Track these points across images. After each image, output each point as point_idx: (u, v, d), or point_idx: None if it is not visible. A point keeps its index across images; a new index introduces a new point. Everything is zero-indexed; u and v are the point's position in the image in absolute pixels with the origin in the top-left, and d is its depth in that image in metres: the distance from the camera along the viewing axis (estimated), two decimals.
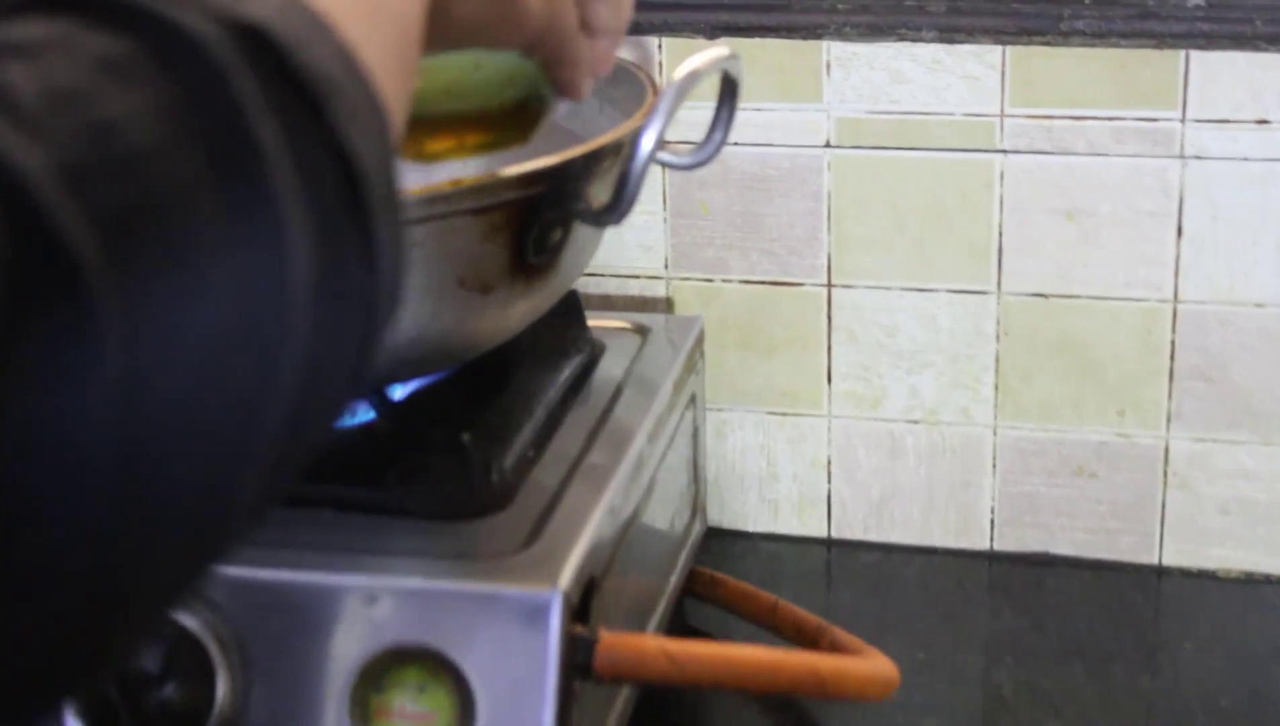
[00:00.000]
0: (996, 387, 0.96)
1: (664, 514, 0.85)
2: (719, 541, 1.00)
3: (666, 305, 0.99)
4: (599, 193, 0.72)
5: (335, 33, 0.39)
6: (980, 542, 0.98)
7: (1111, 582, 0.96)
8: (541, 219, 0.71)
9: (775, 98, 0.95)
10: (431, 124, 0.61)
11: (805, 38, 0.93)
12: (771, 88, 0.95)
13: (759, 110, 0.95)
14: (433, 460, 0.72)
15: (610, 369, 0.86)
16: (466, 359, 0.76)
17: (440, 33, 0.50)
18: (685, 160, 0.77)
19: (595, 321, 0.89)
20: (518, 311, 0.74)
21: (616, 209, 0.70)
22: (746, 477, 1.01)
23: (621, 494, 0.75)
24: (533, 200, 0.70)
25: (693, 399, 0.90)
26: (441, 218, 0.68)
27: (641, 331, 0.90)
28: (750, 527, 1.02)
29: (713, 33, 0.95)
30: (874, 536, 1.00)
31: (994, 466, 0.97)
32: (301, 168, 0.36)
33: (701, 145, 0.77)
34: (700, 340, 0.91)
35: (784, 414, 0.99)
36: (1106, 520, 0.97)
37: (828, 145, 0.95)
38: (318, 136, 0.37)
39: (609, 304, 0.99)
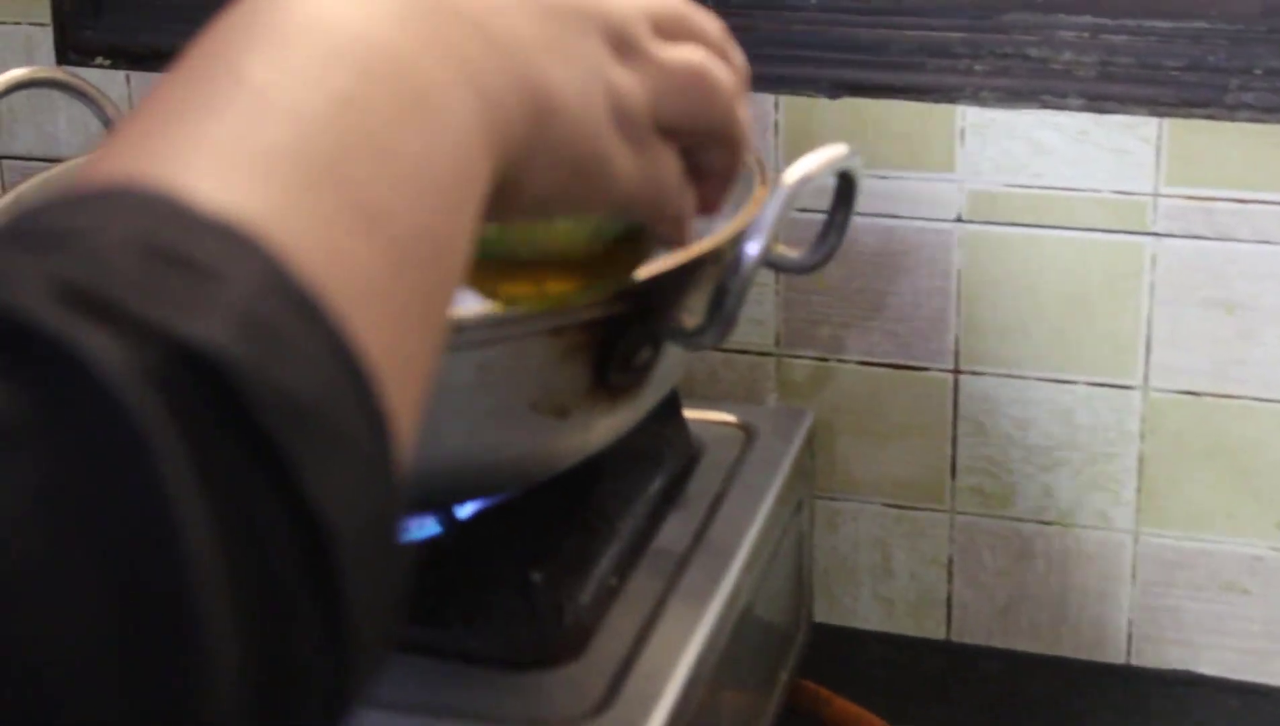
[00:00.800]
0: (1139, 491, 0.86)
1: (766, 622, 0.76)
2: (826, 639, 0.91)
3: (776, 386, 0.90)
4: (694, 304, 0.63)
5: (327, 317, 0.30)
6: (1115, 657, 0.88)
7: (1262, 708, 0.86)
8: (627, 339, 0.62)
9: (903, 165, 0.85)
10: (507, 266, 0.53)
11: (937, 100, 0.84)
12: (899, 154, 0.85)
13: (884, 179, 0.85)
14: (498, 599, 0.64)
15: (710, 474, 0.77)
16: (540, 481, 0.67)
17: (508, 207, 0.41)
18: (792, 260, 0.68)
19: (694, 414, 0.80)
20: (598, 432, 0.65)
21: (713, 329, 0.61)
22: (859, 572, 0.92)
23: (718, 627, 0.67)
24: (617, 319, 0.61)
25: (799, 505, 0.81)
26: (512, 341, 0.59)
27: (746, 429, 0.81)
28: (861, 625, 0.93)
29: (834, 91, 0.85)
30: (997, 643, 0.90)
31: (1133, 576, 0.87)
32: (236, 549, 0.27)
33: (814, 247, 0.67)
34: (811, 438, 0.82)
35: (902, 507, 0.90)
36: (1259, 640, 0.86)
37: (959, 220, 0.85)
38: (270, 497, 0.28)
39: (712, 382, 0.90)
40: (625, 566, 0.69)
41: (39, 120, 0.97)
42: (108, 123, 0.79)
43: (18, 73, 0.77)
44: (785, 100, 0.86)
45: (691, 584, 0.69)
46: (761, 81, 0.85)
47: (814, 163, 0.61)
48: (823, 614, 0.92)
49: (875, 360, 0.88)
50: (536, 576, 0.64)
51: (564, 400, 0.62)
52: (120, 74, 0.94)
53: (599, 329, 0.61)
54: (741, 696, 0.74)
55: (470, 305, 0.57)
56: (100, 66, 0.93)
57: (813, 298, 0.88)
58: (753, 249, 0.60)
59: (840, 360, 0.89)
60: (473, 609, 0.64)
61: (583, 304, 0.59)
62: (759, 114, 0.86)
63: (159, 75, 0.35)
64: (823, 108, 0.85)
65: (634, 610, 0.67)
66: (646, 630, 0.66)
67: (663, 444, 0.76)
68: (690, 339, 0.62)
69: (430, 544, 0.67)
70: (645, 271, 0.60)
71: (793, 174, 0.61)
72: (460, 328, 0.57)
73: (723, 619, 0.68)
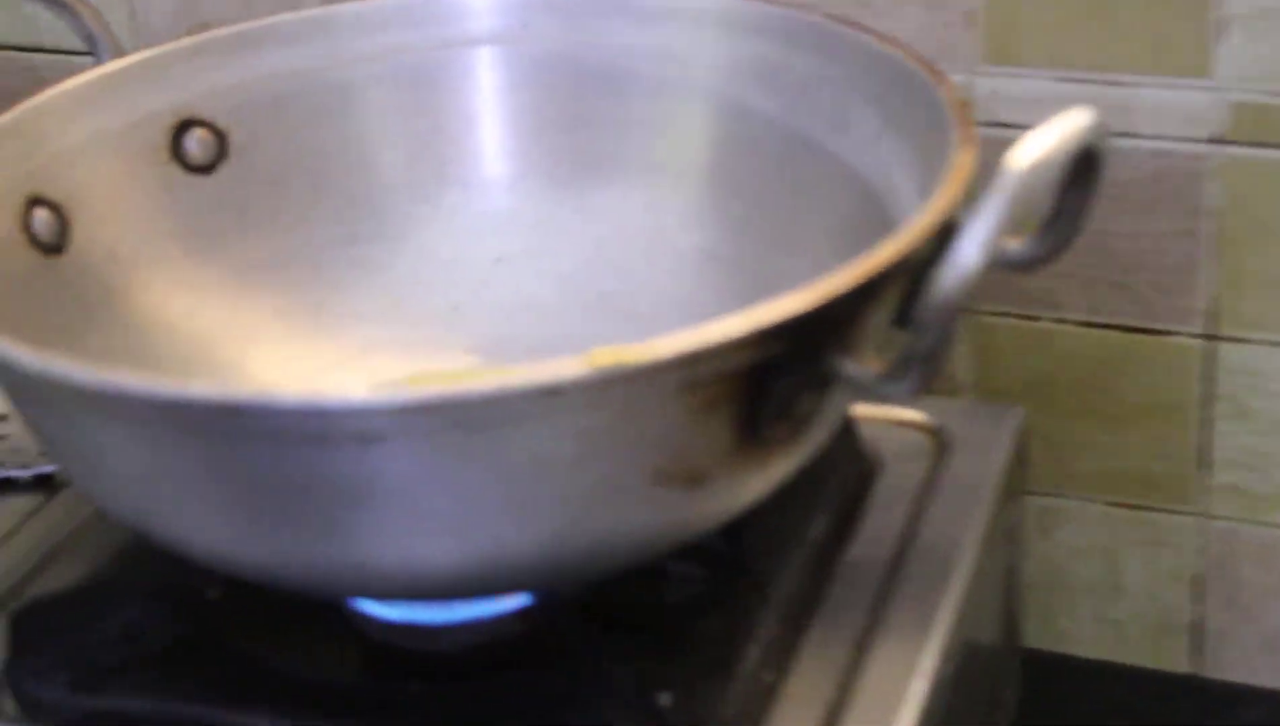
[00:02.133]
0: None
1: (976, 673, 0.66)
2: (1037, 670, 0.81)
3: (970, 353, 0.79)
4: (878, 334, 0.53)
5: None
6: None
7: None
8: (784, 385, 0.51)
9: (1139, 67, 0.73)
10: None
11: None
12: (1133, 53, 0.73)
13: (1114, 85, 0.73)
14: (609, 724, 0.54)
15: (891, 502, 0.67)
16: (665, 554, 0.58)
17: None
18: (1011, 254, 0.56)
19: (866, 413, 0.69)
20: (743, 495, 0.55)
21: (909, 375, 0.50)
22: (1078, 588, 0.82)
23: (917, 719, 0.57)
24: (771, 364, 0.50)
25: (1009, 533, 0.70)
26: (626, 402, 0.49)
27: (937, 434, 0.70)
28: (1081, 652, 0.83)
29: None
30: (1264, 681, 0.80)
31: None
32: None
33: (1041, 235, 0.56)
34: (1024, 443, 0.71)
35: (1136, 508, 0.80)
36: None
37: (1217, 141, 0.73)
38: None
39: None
40: (785, 651, 0.59)
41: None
42: (90, 38, 0.69)
43: None
44: None
45: (880, 665, 0.59)
46: None
47: (1051, 140, 0.50)
48: (1032, 637, 0.82)
49: (1101, 321, 0.78)
50: (665, 698, 0.54)
51: (698, 465, 0.52)
52: None
53: (746, 378, 0.50)
54: None
55: (563, 360, 0.47)
56: None
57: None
58: (968, 256, 0.49)
59: (1056, 320, 0.78)
60: None
61: (719, 347, 0.49)
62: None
63: None
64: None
65: (801, 711, 0.57)
66: None
67: (826, 468, 0.65)
68: (875, 388, 0.51)
69: (516, 640, 0.58)
70: (808, 297, 0.49)
71: (1026, 155, 0.50)
72: (554, 391, 0.47)
73: (930, 704, 0.58)
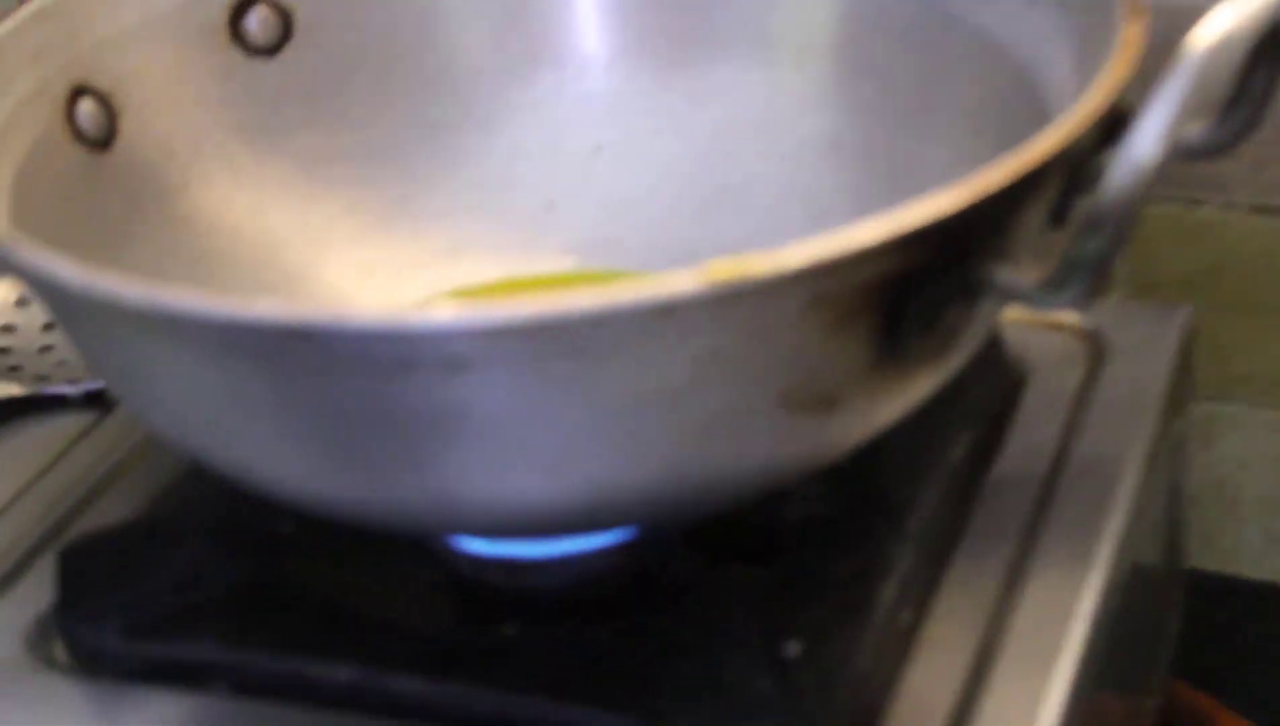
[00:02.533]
0: None
1: (1141, 604, 0.62)
2: (1201, 593, 0.76)
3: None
4: (1033, 237, 0.48)
5: None
6: None
7: None
8: (927, 296, 0.47)
9: None
10: None
11: None
12: None
13: None
14: (732, 679, 0.50)
15: (1041, 419, 0.62)
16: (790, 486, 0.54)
17: None
18: (1192, 139, 0.51)
19: (1013, 317, 0.65)
20: (880, 417, 0.51)
21: (1072, 284, 0.45)
22: (1243, 502, 0.78)
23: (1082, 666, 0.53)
24: (913, 274, 0.46)
25: (1175, 447, 0.65)
26: (749, 320, 0.44)
27: (1092, 340, 0.65)
28: (1249, 573, 0.79)
29: None
30: None
31: None
32: None
33: (1224, 116, 0.51)
34: (1189, 346, 0.66)
35: None
36: None
37: None
38: None
39: None
40: (925, 587, 0.55)
41: None
42: None
43: None
44: None
45: (1033, 606, 0.54)
46: None
47: (1235, 16, 0.45)
48: (1194, 556, 0.77)
49: (1276, 204, 0.72)
50: (792, 648, 0.50)
51: (830, 387, 0.48)
52: None
53: (885, 290, 0.46)
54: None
55: (676, 273, 0.42)
56: None
57: None
58: (1146, 148, 0.44)
59: (1224, 205, 0.73)
60: (691, 694, 0.50)
61: (855, 256, 0.44)
62: None
63: None
64: None
65: (946, 657, 0.53)
66: (973, 684, 0.52)
67: (967, 378, 0.60)
68: (1034, 299, 0.46)
69: (620, 575, 0.54)
70: (958, 191, 0.45)
71: (1206, 35, 0.45)
72: (667, 309, 0.43)
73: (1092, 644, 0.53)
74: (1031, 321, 0.66)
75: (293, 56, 0.63)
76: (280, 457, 0.48)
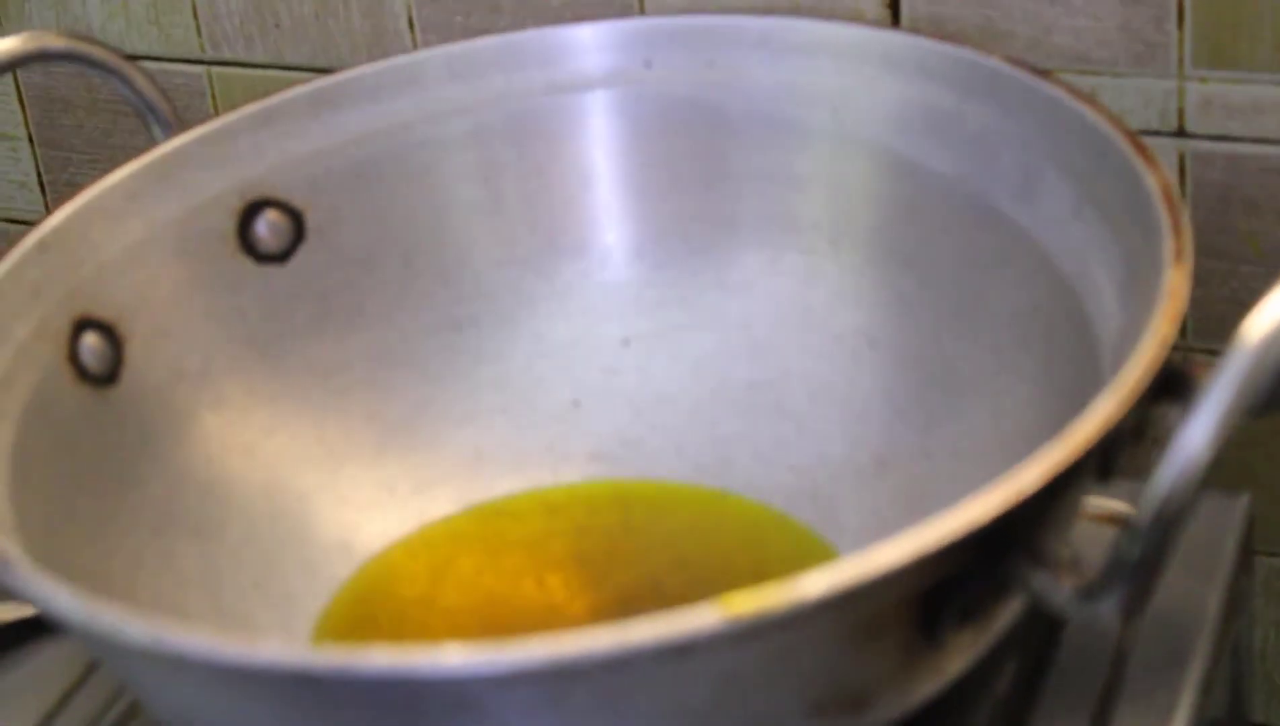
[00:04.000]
0: None
1: None
2: None
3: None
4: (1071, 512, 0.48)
5: None
6: None
7: None
8: (960, 599, 0.46)
9: None
10: None
11: None
12: None
13: None
14: None
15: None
16: None
17: None
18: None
19: None
20: (917, 698, 0.50)
21: (1113, 593, 0.45)
22: None
23: None
24: (943, 582, 0.46)
25: (1235, 651, 0.65)
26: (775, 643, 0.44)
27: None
28: None
29: None
30: None
31: None
32: None
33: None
34: (1248, 533, 0.65)
35: None
36: None
37: None
38: None
39: None
40: None
41: None
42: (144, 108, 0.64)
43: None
44: None
45: None
46: None
47: None
48: (1260, 711, 0.77)
49: None
50: None
51: (863, 690, 0.47)
52: None
53: (914, 603, 0.46)
54: None
55: (694, 611, 0.42)
56: None
57: (1240, 266, 0.70)
58: (1194, 446, 0.44)
59: None
60: None
61: (881, 579, 0.44)
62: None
63: None
64: None
65: None
66: None
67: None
68: (1072, 613, 0.46)
69: None
70: (993, 497, 0.44)
71: (1261, 325, 0.44)
72: (686, 649, 0.42)
73: None
74: (1086, 514, 0.65)
75: (305, 260, 0.63)
76: None
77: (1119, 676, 0.60)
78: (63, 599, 0.45)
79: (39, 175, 0.84)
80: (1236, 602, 0.64)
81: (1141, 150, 0.54)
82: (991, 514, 0.44)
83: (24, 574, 0.46)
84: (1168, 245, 0.51)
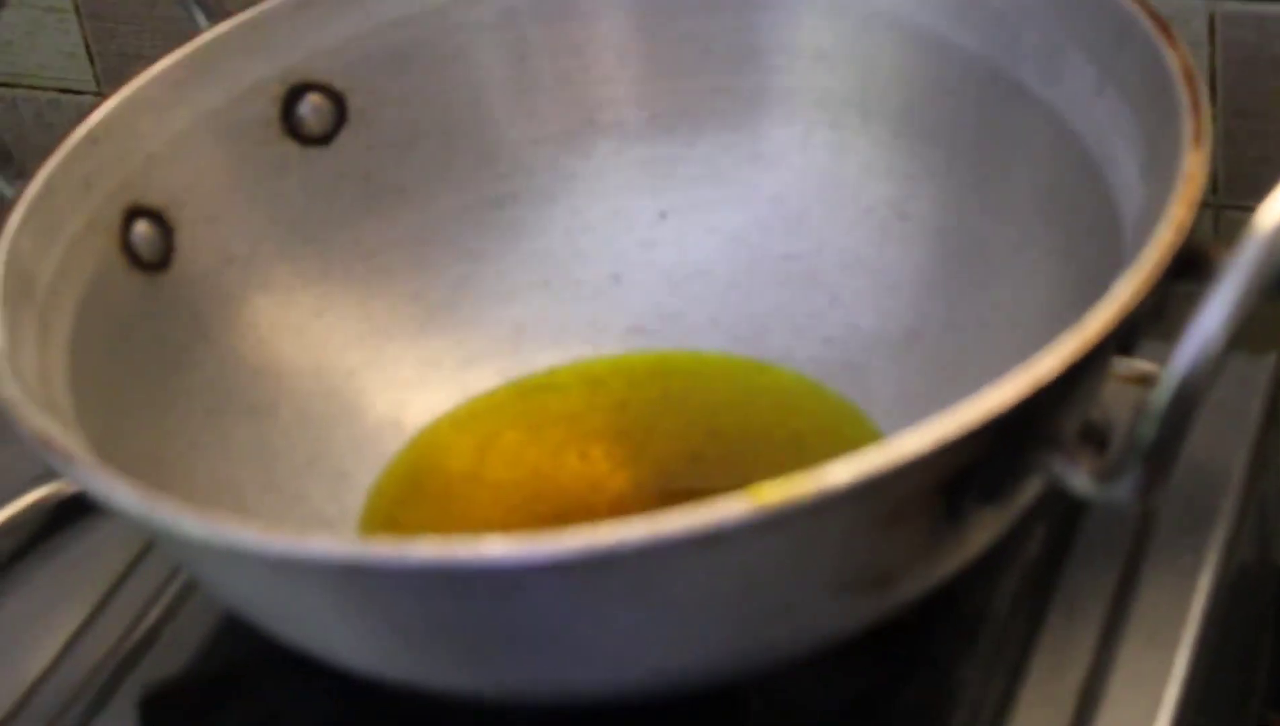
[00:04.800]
0: None
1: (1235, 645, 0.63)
2: None
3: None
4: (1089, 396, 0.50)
5: None
6: None
7: None
8: (981, 483, 0.48)
9: None
10: None
11: None
12: None
13: None
14: None
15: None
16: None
17: None
18: None
19: None
20: (940, 575, 0.53)
21: (1129, 476, 0.47)
22: None
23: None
24: (965, 467, 0.47)
25: (1262, 504, 0.67)
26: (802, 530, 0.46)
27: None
28: None
29: None
30: None
31: None
32: None
33: None
34: (1274, 404, 0.67)
35: None
36: None
37: None
38: None
39: None
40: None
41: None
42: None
43: None
44: None
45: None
46: None
47: None
48: None
49: None
50: None
51: (886, 570, 0.50)
52: None
53: (938, 489, 0.48)
54: None
55: (723, 501, 0.44)
56: None
57: (1270, 125, 0.71)
58: (1207, 333, 0.46)
59: None
60: None
61: (904, 467, 0.46)
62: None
63: None
64: None
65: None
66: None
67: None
68: (1092, 493, 0.48)
69: None
70: (1014, 385, 0.46)
71: (1273, 214, 0.46)
72: (715, 538, 0.44)
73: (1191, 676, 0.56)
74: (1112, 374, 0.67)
75: (348, 142, 0.65)
76: (344, 648, 0.51)
77: (1146, 537, 0.62)
78: (121, 493, 0.48)
79: (86, 46, 0.85)
80: (1263, 461, 0.66)
81: (1163, 28, 0.55)
82: (1011, 402, 0.46)
83: (84, 469, 0.49)
84: (1187, 125, 0.52)
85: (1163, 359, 0.48)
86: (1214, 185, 0.74)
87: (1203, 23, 0.70)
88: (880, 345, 0.63)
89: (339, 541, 0.46)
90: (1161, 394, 0.46)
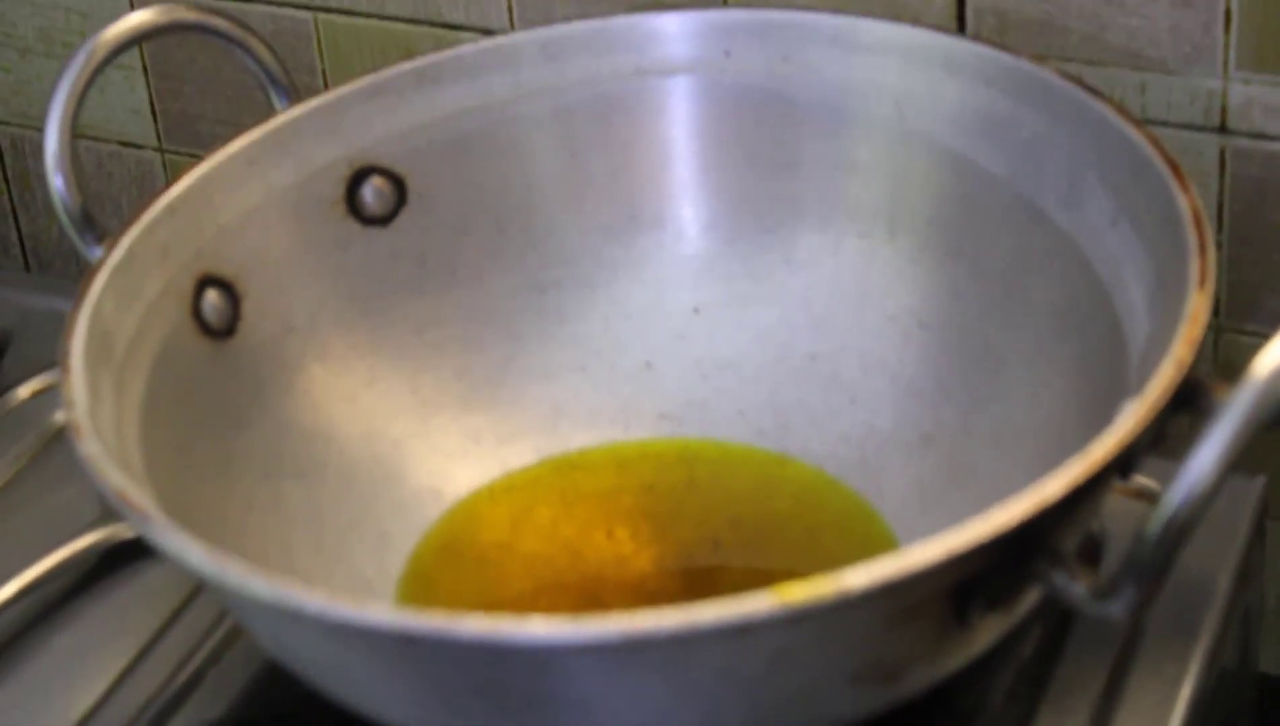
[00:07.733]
0: None
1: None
2: (1273, 697, 0.82)
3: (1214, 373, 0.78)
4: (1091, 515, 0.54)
5: None
6: None
7: None
8: (990, 589, 0.53)
9: None
10: None
11: None
12: None
13: None
14: None
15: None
16: None
17: None
18: None
19: None
20: (946, 670, 0.57)
21: (1123, 595, 0.51)
22: None
23: None
24: (976, 576, 0.52)
25: (1245, 615, 0.70)
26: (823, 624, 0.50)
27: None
28: None
29: None
30: None
31: None
32: None
33: None
34: (1261, 517, 0.71)
35: None
36: None
37: None
38: None
39: None
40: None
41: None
42: (265, 78, 0.70)
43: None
44: None
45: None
46: None
47: None
48: (1271, 662, 0.82)
49: None
50: None
51: (894, 664, 0.54)
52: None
53: (949, 593, 0.52)
54: None
55: (752, 596, 0.48)
56: None
57: (1273, 254, 0.75)
58: (1200, 472, 0.50)
59: None
60: None
61: (919, 574, 0.50)
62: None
63: None
64: None
65: None
66: None
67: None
68: (1085, 609, 0.52)
69: None
70: (1025, 502, 0.50)
71: (1269, 363, 0.50)
72: (744, 629, 0.48)
73: None
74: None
75: (406, 223, 0.69)
76: (389, 706, 0.55)
77: (1134, 641, 0.65)
78: (195, 555, 0.52)
79: (151, 104, 0.89)
80: (1248, 576, 0.70)
81: (1176, 171, 0.60)
82: (1018, 520, 0.50)
83: (159, 529, 0.53)
84: (1194, 266, 0.57)
85: (1158, 474, 0.52)
86: (1216, 308, 0.78)
87: (1214, 155, 0.74)
88: (895, 445, 0.67)
89: (396, 613, 0.50)
90: (1157, 522, 0.50)
